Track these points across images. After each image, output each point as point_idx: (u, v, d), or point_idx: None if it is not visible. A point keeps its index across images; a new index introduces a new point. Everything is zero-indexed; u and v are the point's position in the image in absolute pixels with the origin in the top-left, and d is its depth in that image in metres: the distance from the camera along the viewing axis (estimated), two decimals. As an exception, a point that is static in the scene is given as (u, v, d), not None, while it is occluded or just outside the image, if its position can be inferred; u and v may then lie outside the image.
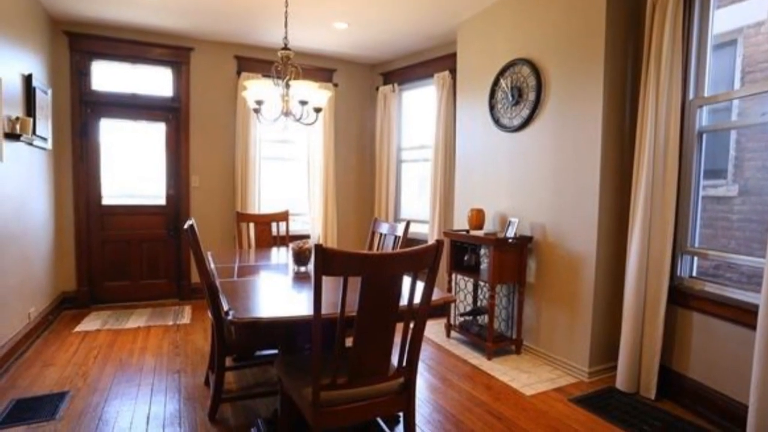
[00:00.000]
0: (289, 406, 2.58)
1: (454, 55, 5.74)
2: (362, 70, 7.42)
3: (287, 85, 3.93)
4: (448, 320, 5.13)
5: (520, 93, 4.56)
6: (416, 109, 6.97)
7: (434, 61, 6.37)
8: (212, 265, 3.66)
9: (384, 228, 4.36)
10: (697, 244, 3.66)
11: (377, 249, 4.40)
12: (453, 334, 5.13)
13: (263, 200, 6.76)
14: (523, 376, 4.06)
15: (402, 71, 6.95)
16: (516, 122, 4.61)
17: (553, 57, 4.26)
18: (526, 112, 4.50)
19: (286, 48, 3.97)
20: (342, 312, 2.10)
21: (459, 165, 5.53)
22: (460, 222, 5.39)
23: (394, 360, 2.40)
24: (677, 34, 3.45)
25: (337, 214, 7.18)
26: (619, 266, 3.99)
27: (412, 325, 2.33)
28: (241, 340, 3.25)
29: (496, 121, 4.86)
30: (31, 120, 4.44)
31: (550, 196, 4.31)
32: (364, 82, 7.45)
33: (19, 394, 3.54)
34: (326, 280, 2.18)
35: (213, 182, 6.50)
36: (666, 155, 3.54)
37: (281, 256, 4.27)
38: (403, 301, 2.29)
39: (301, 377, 2.39)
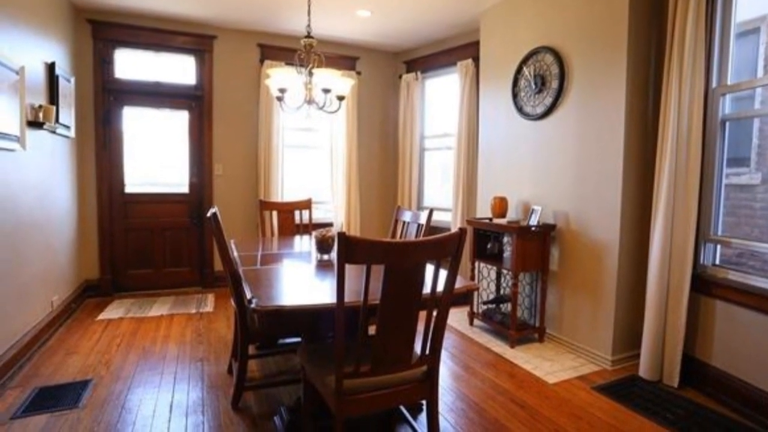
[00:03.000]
0: (312, 394, 2.60)
1: (477, 44, 5.69)
2: (385, 58, 7.38)
3: (310, 73, 3.94)
4: (471, 308, 5.14)
5: (543, 81, 4.52)
6: (439, 97, 6.94)
7: (457, 50, 6.32)
8: (235, 253, 3.69)
9: (407, 216, 4.35)
10: (720, 232, 3.61)
11: (400, 237, 4.40)
12: (476, 322, 5.13)
13: (286, 188, 6.78)
14: (546, 364, 4.05)
15: (425, 59, 6.91)
16: (539, 110, 4.58)
17: (576, 45, 4.21)
18: (549, 100, 4.46)
19: (309, 36, 3.98)
20: (365, 300, 2.10)
21: (482, 153, 5.50)
22: (483, 210, 5.37)
23: (417, 348, 2.40)
24: (700, 22, 3.40)
25: (360, 202, 7.18)
26: (642, 254, 3.96)
27: (435, 313, 2.33)
28: (264, 328, 3.28)
29: (519, 110, 4.82)
30: (54, 108, 4.49)
31: (573, 184, 4.28)
32: (387, 70, 7.41)
33: (42, 383, 3.58)
34: (349, 268, 2.19)
35: (236, 170, 6.53)
36: (689, 143, 3.50)
37: (304, 244, 4.29)
38: (426, 289, 2.28)
39: (324, 365, 2.40)
